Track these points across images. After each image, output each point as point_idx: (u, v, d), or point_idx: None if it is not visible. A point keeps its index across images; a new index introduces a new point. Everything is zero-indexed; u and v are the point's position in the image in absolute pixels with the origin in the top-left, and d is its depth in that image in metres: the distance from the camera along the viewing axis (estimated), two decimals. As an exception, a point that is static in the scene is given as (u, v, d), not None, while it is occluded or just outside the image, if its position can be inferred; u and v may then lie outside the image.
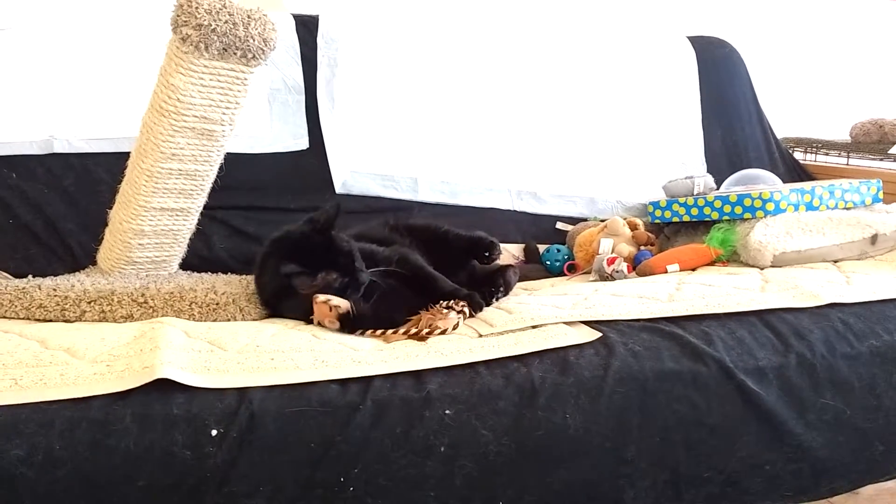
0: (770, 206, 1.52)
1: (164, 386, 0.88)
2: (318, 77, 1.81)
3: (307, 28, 1.83)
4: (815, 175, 2.15)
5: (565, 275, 1.71)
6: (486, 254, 1.41)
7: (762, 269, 1.45)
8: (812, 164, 2.24)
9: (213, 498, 0.84)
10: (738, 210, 1.56)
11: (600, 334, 1.07)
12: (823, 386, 1.08)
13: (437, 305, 1.16)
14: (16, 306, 1.24)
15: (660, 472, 1.00)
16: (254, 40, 1.25)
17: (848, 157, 2.19)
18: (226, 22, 1.21)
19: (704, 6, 2.44)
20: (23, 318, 1.24)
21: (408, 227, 1.47)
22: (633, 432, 0.99)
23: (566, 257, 1.77)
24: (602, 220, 1.82)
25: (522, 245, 1.87)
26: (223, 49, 1.24)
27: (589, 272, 1.61)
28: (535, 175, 1.94)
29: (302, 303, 1.17)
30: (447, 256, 1.39)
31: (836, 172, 2.10)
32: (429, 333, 1.08)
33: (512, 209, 1.91)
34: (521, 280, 1.58)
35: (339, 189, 1.78)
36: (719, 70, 2.15)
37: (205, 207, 1.50)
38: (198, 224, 1.52)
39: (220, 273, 1.56)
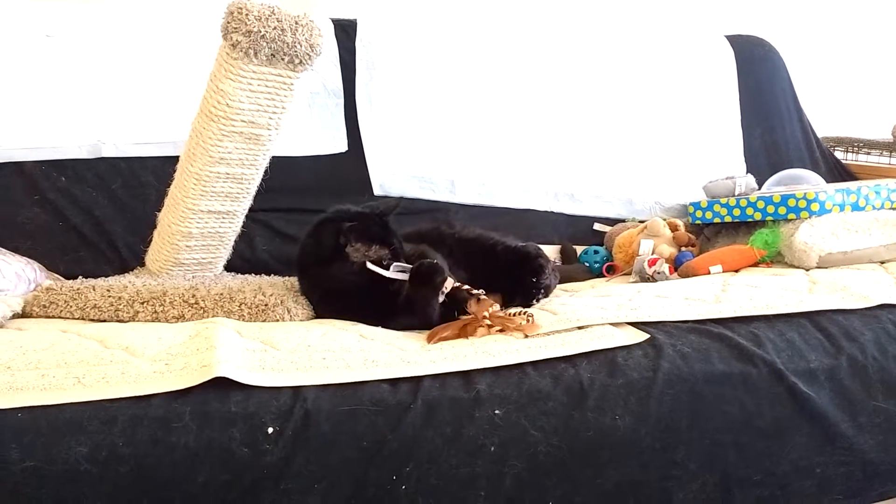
0: (815, 207, 1.50)
1: (221, 384, 0.90)
2: (356, 80, 1.83)
3: (346, 32, 1.86)
4: (858, 175, 2.12)
5: (604, 276, 1.70)
6: (534, 279, 1.35)
7: (807, 270, 1.43)
8: (854, 164, 2.21)
9: (270, 495, 0.86)
10: (782, 210, 1.54)
11: (648, 336, 1.07)
12: (875, 388, 1.07)
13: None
14: (70, 306, 1.27)
15: (709, 475, 0.99)
16: (301, 46, 1.27)
17: (891, 156, 2.15)
18: (274, 28, 1.23)
19: (743, 5, 2.41)
20: (77, 318, 1.27)
21: (456, 236, 1.46)
22: (683, 434, 0.98)
23: (604, 258, 1.76)
24: (640, 221, 1.81)
25: (559, 246, 1.87)
26: (271, 55, 1.26)
27: (629, 273, 1.61)
28: (573, 176, 1.93)
29: (348, 270, 1.20)
30: (493, 267, 1.38)
31: (878, 172, 2.07)
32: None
33: (549, 210, 1.91)
34: (567, 281, 1.59)
35: (377, 191, 1.79)
36: (758, 69, 2.13)
37: (248, 210, 1.53)
38: (242, 226, 1.54)
39: (263, 275, 1.59)
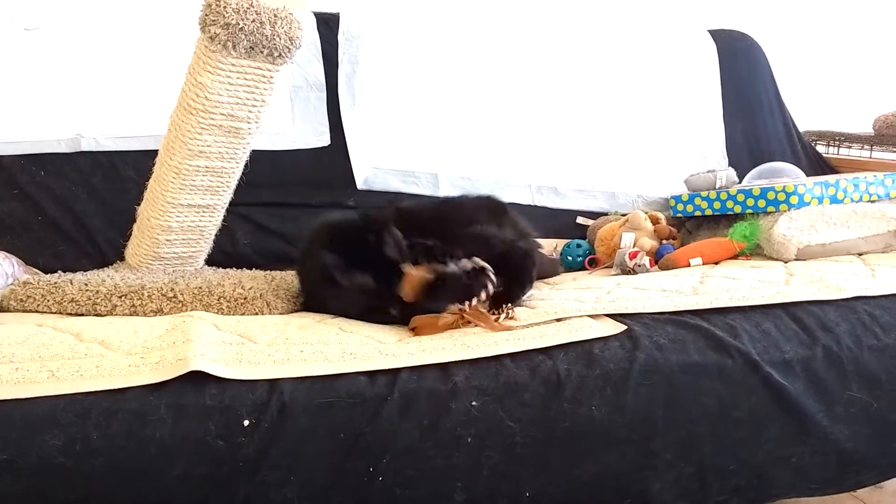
0: (794, 200, 1.51)
1: (197, 378, 0.89)
2: (339, 74, 1.82)
3: (328, 26, 1.85)
4: (838, 168, 2.13)
5: (586, 269, 1.71)
6: None
7: (786, 262, 1.44)
8: (835, 158, 2.22)
9: (246, 487, 0.86)
10: (762, 203, 1.55)
11: (625, 327, 1.07)
12: (850, 378, 1.07)
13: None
14: (48, 300, 1.26)
15: (686, 465, 1.00)
16: (280, 39, 1.27)
17: (871, 150, 2.17)
18: (253, 21, 1.23)
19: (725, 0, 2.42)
20: (55, 313, 1.26)
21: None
22: (659, 425, 0.99)
23: (586, 252, 1.77)
24: (623, 215, 1.81)
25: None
26: (250, 48, 1.26)
27: (610, 266, 1.61)
28: (555, 170, 1.94)
29: (345, 295, 1.16)
30: None
31: (859, 165, 2.09)
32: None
33: (532, 204, 1.91)
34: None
35: (360, 185, 1.79)
36: (740, 63, 2.14)
37: (229, 204, 1.52)
38: (223, 221, 1.54)
39: (244, 269, 1.58)
